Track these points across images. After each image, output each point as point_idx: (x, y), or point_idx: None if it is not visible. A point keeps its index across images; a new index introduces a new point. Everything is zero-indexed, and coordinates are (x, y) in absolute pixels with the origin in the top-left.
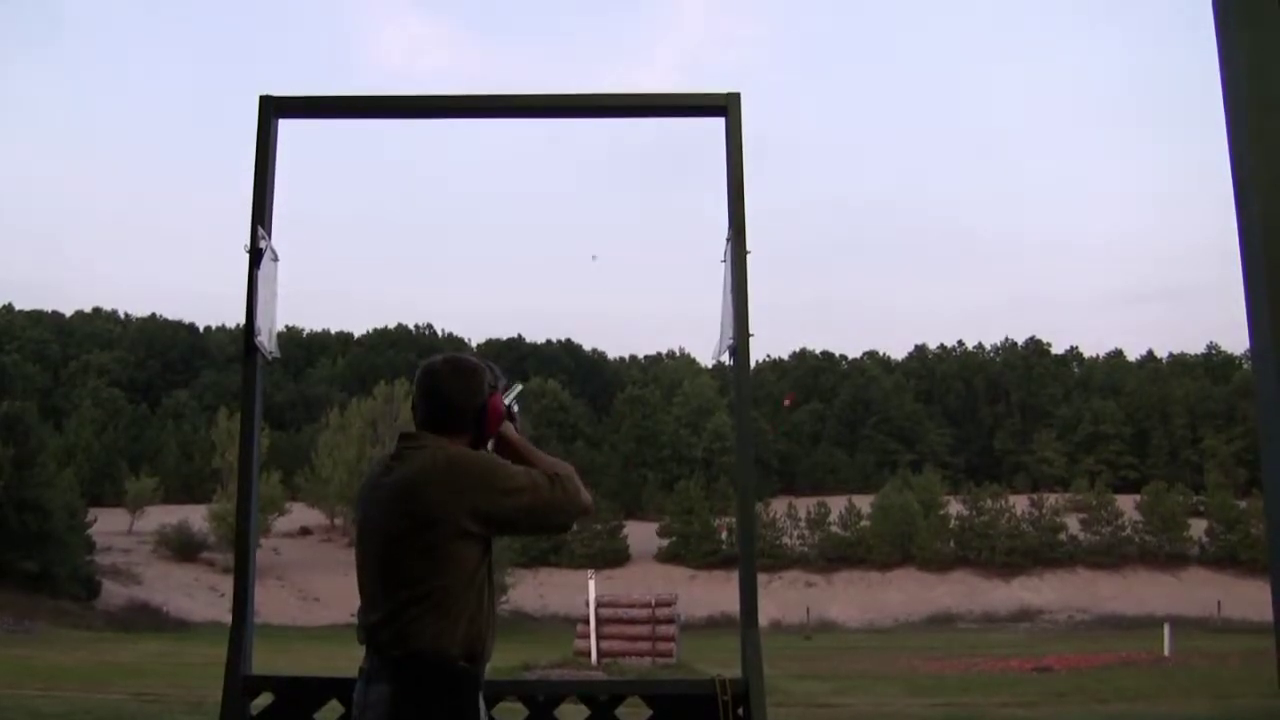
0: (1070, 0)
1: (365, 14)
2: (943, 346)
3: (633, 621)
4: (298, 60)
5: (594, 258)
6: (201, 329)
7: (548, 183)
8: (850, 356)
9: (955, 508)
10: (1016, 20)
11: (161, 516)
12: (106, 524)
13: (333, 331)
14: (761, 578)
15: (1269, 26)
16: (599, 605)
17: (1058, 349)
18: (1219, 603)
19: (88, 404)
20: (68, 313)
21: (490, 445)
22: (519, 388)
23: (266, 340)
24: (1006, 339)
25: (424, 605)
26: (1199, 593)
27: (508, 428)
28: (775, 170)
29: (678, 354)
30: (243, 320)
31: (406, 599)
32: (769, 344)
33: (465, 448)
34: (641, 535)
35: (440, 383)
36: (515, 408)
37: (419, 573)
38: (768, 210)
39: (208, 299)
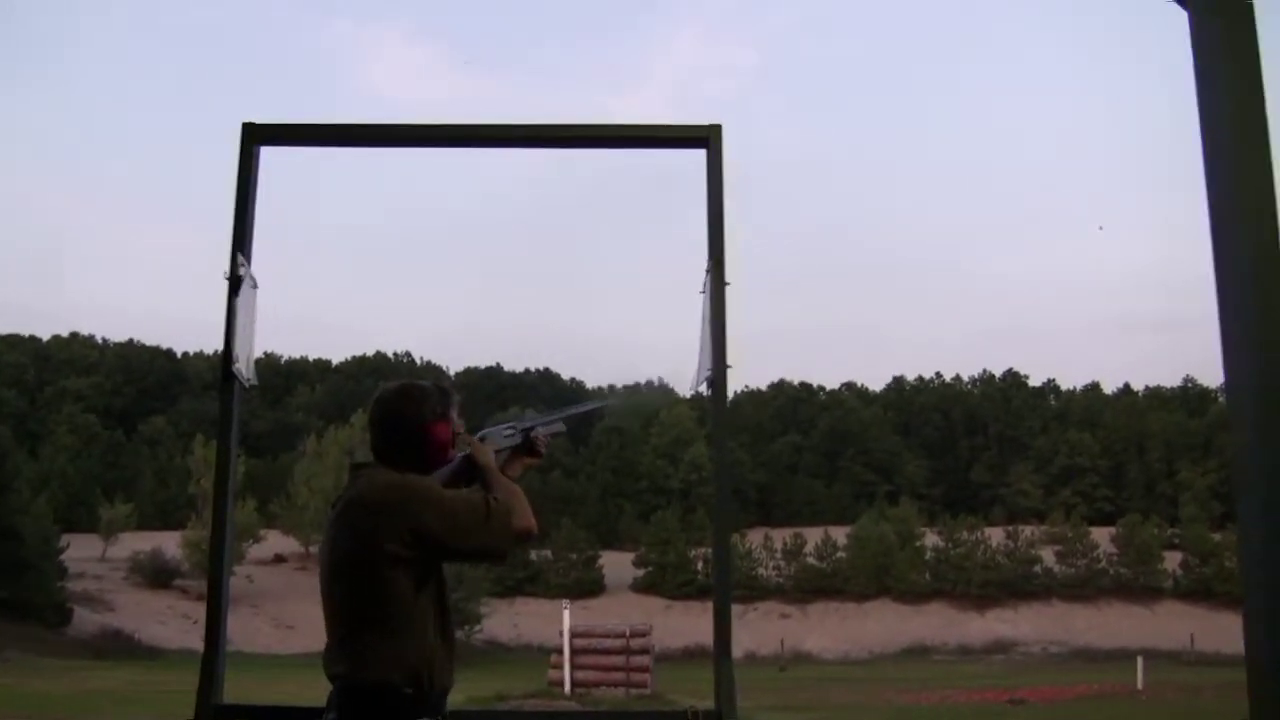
0: (1056, 34)
1: (352, 41)
2: (920, 378)
3: (607, 652)
4: (282, 87)
5: None
6: (180, 355)
7: (529, 209)
8: (829, 388)
9: (932, 540)
10: (1002, 51)
11: (135, 543)
12: (80, 550)
13: (311, 359)
14: (737, 609)
15: (1241, 60)
16: (573, 635)
17: (1035, 381)
18: (1192, 636)
19: (63, 430)
20: (45, 337)
21: (455, 463)
22: (560, 428)
23: (244, 367)
24: (984, 371)
25: (368, 635)
26: (1173, 626)
27: (485, 454)
28: (756, 198)
29: (656, 384)
30: (221, 347)
31: (349, 629)
32: (747, 375)
33: (395, 473)
34: (617, 565)
35: (385, 406)
36: (510, 442)
37: (358, 601)
38: (747, 239)
39: (186, 325)
